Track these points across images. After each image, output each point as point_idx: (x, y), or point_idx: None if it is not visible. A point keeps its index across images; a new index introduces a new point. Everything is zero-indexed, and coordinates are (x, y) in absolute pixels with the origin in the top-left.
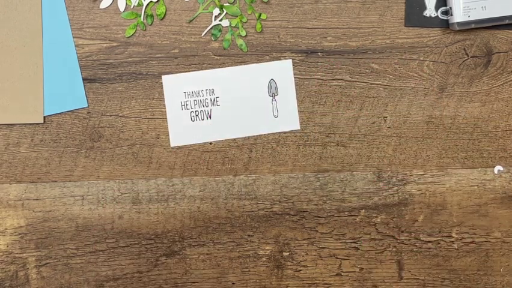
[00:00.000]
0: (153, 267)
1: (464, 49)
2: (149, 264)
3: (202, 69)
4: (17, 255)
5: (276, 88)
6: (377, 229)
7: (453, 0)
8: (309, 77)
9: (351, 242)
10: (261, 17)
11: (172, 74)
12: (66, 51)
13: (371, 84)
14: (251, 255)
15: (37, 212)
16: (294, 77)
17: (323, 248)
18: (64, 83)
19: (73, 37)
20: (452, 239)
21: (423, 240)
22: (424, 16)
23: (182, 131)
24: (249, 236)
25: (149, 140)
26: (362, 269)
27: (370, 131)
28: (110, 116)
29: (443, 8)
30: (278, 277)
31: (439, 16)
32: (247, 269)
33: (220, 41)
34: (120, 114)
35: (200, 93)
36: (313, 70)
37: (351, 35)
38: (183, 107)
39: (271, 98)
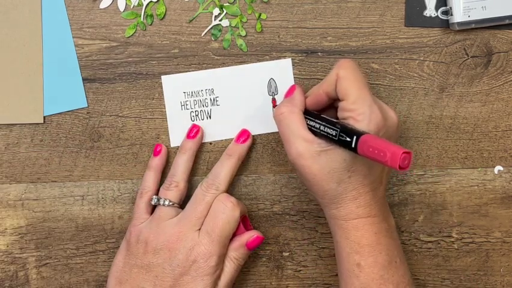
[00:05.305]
0: None
1: (464, 49)
2: None
3: (202, 69)
4: (17, 255)
5: (276, 87)
6: None
7: (453, 0)
8: (309, 77)
9: None
10: (261, 17)
11: (171, 74)
12: (66, 51)
13: (371, 84)
14: (251, 255)
15: (37, 212)
16: (294, 77)
17: (323, 248)
18: (64, 83)
19: (73, 37)
20: (452, 239)
21: (423, 241)
22: (424, 16)
23: (182, 131)
24: None
25: (149, 140)
26: None
27: None
28: (110, 116)
29: (443, 8)
30: (278, 277)
31: (439, 16)
32: (247, 269)
33: (220, 41)
34: (120, 114)
35: (200, 93)
36: (313, 70)
37: (351, 35)
38: (183, 107)
39: (271, 97)
